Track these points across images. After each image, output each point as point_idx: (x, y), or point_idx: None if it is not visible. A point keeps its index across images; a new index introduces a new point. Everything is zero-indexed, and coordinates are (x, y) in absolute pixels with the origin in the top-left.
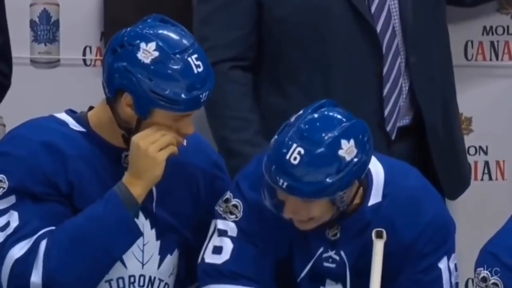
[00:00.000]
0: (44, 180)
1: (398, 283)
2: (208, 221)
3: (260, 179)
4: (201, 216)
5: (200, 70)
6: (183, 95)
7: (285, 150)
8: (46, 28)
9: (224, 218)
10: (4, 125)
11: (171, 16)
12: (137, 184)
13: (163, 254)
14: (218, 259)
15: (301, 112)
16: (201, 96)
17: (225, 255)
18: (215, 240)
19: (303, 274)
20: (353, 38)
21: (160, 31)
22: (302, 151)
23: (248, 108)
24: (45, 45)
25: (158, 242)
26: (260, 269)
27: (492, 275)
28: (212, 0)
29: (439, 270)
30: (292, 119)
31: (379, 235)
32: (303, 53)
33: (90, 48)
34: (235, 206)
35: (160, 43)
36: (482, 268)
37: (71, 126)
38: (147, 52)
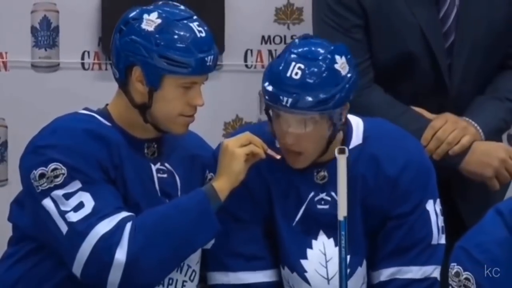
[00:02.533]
0: (98, 165)
1: (389, 230)
2: None
3: None
4: None
5: (203, 35)
6: (190, 57)
7: (285, 69)
8: (46, 34)
9: None
10: (6, 127)
11: None
12: (220, 180)
13: None
14: (209, 244)
15: (287, 45)
16: (206, 59)
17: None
18: None
19: (297, 218)
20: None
21: (161, 5)
22: (302, 66)
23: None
24: (46, 50)
25: None
26: (248, 241)
27: (464, 270)
28: None
29: (427, 212)
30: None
31: (341, 151)
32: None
33: (88, 52)
34: (210, 180)
35: (162, 12)
36: (455, 264)
37: (100, 119)
38: (151, 21)
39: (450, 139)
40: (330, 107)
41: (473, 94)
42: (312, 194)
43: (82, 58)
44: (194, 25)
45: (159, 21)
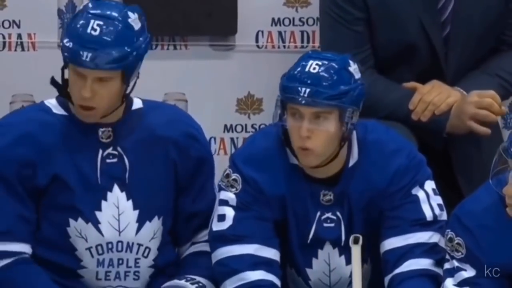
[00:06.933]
0: (18, 171)
1: (383, 220)
2: (192, 182)
3: (252, 155)
4: (183, 181)
5: (94, 33)
6: (68, 44)
7: (303, 64)
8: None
9: (225, 191)
10: (34, 102)
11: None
12: None
13: (141, 222)
14: (223, 225)
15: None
16: (81, 53)
17: (228, 221)
18: (218, 210)
19: (311, 236)
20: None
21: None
22: (320, 63)
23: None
24: None
25: (136, 211)
26: (259, 229)
27: (456, 236)
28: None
29: (415, 196)
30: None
31: (355, 241)
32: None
33: None
34: (234, 180)
35: (92, 4)
36: (449, 230)
37: (54, 111)
38: (81, 6)
39: (436, 100)
40: (342, 102)
41: None
42: (318, 213)
43: None
44: (94, 22)
45: (80, 7)
